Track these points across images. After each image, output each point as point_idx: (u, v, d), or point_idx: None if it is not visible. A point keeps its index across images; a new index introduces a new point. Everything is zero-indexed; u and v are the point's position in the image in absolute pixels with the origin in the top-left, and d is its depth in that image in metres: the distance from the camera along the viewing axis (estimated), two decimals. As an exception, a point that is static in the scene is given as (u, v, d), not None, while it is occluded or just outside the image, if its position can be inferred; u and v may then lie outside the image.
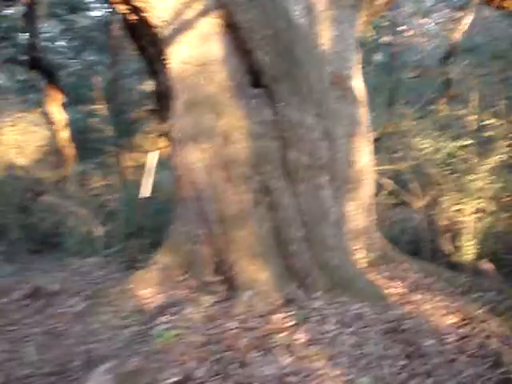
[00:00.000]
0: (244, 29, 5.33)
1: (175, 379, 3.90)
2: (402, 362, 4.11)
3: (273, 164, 5.39)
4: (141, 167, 15.02)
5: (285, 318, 4.71)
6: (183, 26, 5.40)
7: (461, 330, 4.55)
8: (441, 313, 4.86)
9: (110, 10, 17.88)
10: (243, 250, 5.28)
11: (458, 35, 10.19)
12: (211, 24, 5.37)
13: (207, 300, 5.05)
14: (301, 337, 4.41)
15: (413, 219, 7.90)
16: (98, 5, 20.96)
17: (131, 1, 5.52)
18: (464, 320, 4.70)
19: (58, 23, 20.40)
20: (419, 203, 7.51)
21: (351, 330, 4.54)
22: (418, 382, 3.86)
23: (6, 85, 18.14)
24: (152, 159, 6.61)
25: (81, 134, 14.49)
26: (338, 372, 3.97)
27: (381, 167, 7.65)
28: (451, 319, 4.73)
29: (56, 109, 12.96)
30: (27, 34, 12.29)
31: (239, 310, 4.88)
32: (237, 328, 4.61)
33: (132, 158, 14.93)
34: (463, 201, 6.76)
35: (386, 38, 18.40)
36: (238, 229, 5.31)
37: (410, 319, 4.67)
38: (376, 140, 6.76)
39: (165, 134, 14.04)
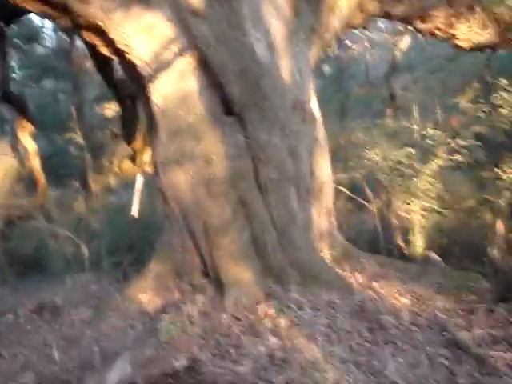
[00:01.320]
0: (215, 66, 6.20)
1: (184, 362, 4.75)
2: (366, 335, 5.05)
3: (247, 180, 6.24)
4: (108, 189, 15.72)
5: (267, 308, 5.58)
6: (162, 65, 6.22)
7: (413, 308, 5.52)
8: (395, 295, 5.82)
9: (69, 38, 18.51)
10: (226, 255, 6.12)
11: (398, 54, 11.26)
12: (187, 62, 6.20)
13: (200, 299, 5.89)
14: (282, 322, 5.28)
15: (367, 222, 8.88)
16: (54, 34, 21.53)
17: (114, 44, 6.30)
18: (415, 299, 5.67)
19: (14, 53, 20.94)
20: (373, 206, 8.49)
21: (323, 313, 5.45)
22: (380, 348, 4.81)
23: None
24: (139, 182, 7.38)
25: (48, 161, 15.13)
26: (315, 346, 4.87)
27: (336, 176, 8.54)
28: (404, 299, 5.70)
29: (26, 138, 13.55)
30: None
31: (228, 304, 5.74)
32: (228, 319, 5.47)
33: (100, 180, 15.54)
34: (411, 201, 7.75)
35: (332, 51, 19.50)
36: (221, 237, 6.15)
37: (370, 301, 5.61)
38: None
39: (130, 157, 14.78)
